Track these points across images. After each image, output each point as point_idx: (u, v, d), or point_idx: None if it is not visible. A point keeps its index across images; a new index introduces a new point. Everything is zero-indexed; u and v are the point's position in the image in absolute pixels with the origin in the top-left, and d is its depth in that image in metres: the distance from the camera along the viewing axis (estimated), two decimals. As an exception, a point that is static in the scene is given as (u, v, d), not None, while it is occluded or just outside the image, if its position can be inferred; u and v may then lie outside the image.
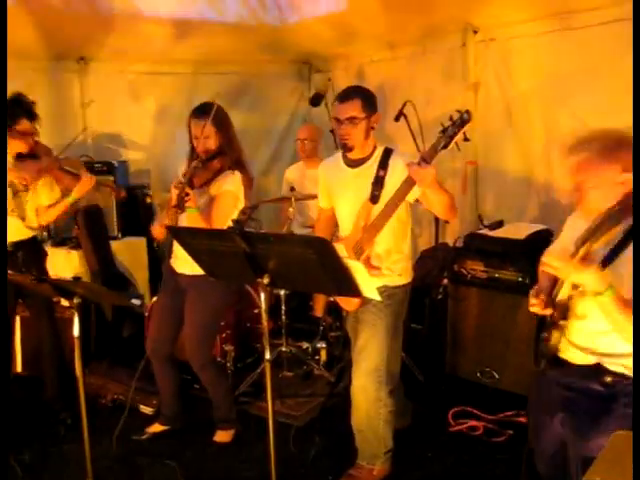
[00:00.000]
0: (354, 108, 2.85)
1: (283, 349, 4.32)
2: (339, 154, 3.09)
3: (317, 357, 4.39)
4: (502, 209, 4.64)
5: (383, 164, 2.91)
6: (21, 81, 5.43)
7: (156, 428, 3.66)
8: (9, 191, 3.57)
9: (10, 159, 3.54)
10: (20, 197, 3.62)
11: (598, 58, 3.86)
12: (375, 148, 2.98)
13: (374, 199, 2.88)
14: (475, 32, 4.57)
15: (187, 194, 3.00)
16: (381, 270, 2.92)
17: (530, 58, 4.31)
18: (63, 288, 2.81)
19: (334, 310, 4.50)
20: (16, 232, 3.64)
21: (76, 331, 2.81)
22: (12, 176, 3.54)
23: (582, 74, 3.95)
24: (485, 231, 4.12)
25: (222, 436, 3.58)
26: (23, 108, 3.49)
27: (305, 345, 4.48)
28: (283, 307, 4.30)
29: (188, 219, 3.09)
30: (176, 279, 3.42)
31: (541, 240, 3.82)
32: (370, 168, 2.94)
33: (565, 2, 3.94)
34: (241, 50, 5.57)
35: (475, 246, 4.05)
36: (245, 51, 5.64)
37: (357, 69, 5.70)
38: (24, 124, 3.49)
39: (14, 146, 3.52)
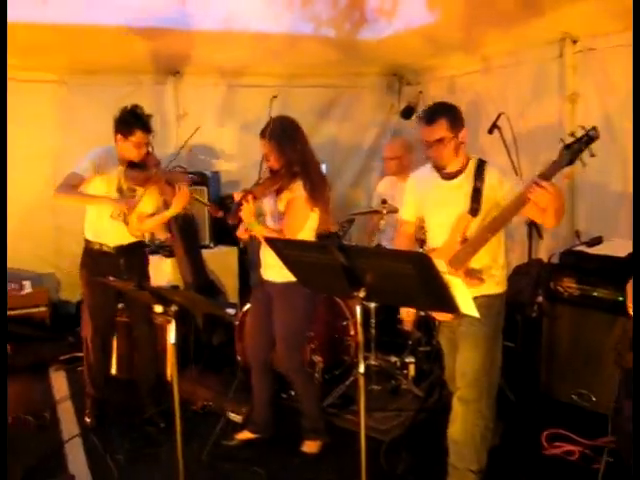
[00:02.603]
0: (440, 129, 2.83)
1: (372, 362, 4.29)
2: (429, 166, 3.05)
3: (405, 371, 4.34)
4: (599, 225, 4.47)
5: (479, 176, 2.88)
6: (118, 94, 5.70)
7: (245, 435, 3.71)
8: (118, 197, 3.75)
9: (121, 167, 3.71)
10: None
11: None
12: (468, 160, 2.95)
13: (474, 212, 2.85)
14: (574, 42, 4.45)
15: (240, 204, 3.15)
16: (484, 281, 2.90)
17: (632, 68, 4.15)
18: (161, 295, 2.89)
19: (424, 324, 4.45)
20: (120, 236, 3.81)
21: (172, 338, 2.88)
22: (122, 182, 3.73)
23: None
24: (583, 247, 3.99)
25: (310, 446, 3.59)
26: (139, 120, 3.64)
27: (393, 359, 4.44)
28: (372, 320, 4.28)
29: (255, 232, 3.25)
30: (265, 287, 3.50)
31: (644, 258, 3.65)
32: (465, 180, 2.92)
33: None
34: (332, 63, 5.62)
35: (572, 263, 3.92)
36: (336, 64, 5.68)
37: (448, 81, 5.65)
38: (138, 136, 3.63)
39: (127, 154, 3.68)
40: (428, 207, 3.10)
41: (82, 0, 3.99)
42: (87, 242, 3.87)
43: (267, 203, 3.45)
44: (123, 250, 3.84)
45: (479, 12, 4.25)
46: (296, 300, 3.35)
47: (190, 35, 4.80)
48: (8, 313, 5.30)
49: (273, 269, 3.33)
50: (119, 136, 3.66)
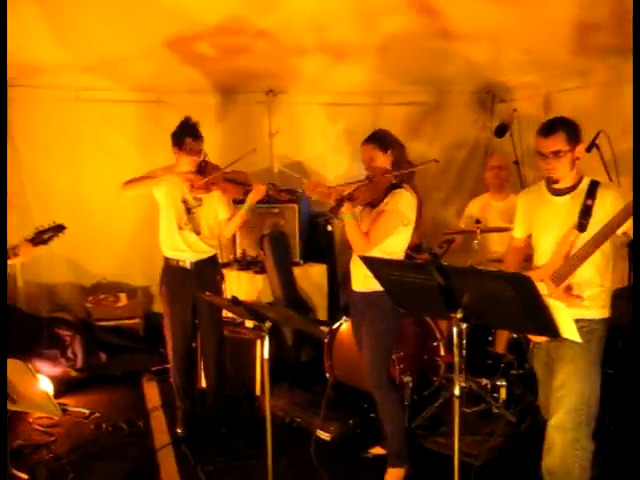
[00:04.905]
0: (558, 141, 2.80)
1: (462, 384, 4.17)
2: (542, 183, 3.01)
3: (496, 395, 4.22)
4: None
5: (591, 194, 2.82)
6: (214, 113, 5.87)
7: (378, 451, 3.71)
8: (183, 207, 3.91)
9: (179, 178, 3.85)
10: (194, 213, 3.94)
11: None
12: (582, 178, 2.89)
13: (582, 227, 2.78)
14: (686, 52, 4.24)
15: (342, 202, 3.16)
16: (583, 299, 2.79)
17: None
18: (256, 311, 2.92)
19: (516, 347, 4.31)
20: (194, 250, 3.93)
21: (266, 353, 2.91)
22: (185, 193, 3.89)
23: None
24: (690, 270, 3.79)
25: (393, 476, 3.43)
26: (187, 128, 3.85)
27: (484, 381, 4.31)
28: (464, 341, 4.19)
29: (346, 226, 3.22)
30: (354, 300, 3.49)
31: None
32: (577, 197, 2.85)
33: None
34: (424, 80, 5.59)
35: (678, 287, 3.73)
36: (427, 81, 5.65)
37: (544, 98, 5.50)
38: (188, 143, 3.82)
39: (184, 165, 3.86)
40: (536, 224, 3.04)
41: (177, 21, 4.12)
42: (166, 259, 4.02)
43: (361, 215, 3.44)
44: (199, 265, 3.95)
45: (577, 26, 4.14)
46: (382, 311, 3.29)
47: (284, 54, 4.88)
48: (104, 324, 5.53)
49: (359, 278, 3.35)
50: (175, 149, 3.87)
